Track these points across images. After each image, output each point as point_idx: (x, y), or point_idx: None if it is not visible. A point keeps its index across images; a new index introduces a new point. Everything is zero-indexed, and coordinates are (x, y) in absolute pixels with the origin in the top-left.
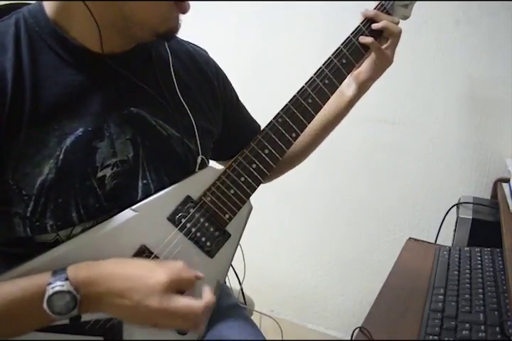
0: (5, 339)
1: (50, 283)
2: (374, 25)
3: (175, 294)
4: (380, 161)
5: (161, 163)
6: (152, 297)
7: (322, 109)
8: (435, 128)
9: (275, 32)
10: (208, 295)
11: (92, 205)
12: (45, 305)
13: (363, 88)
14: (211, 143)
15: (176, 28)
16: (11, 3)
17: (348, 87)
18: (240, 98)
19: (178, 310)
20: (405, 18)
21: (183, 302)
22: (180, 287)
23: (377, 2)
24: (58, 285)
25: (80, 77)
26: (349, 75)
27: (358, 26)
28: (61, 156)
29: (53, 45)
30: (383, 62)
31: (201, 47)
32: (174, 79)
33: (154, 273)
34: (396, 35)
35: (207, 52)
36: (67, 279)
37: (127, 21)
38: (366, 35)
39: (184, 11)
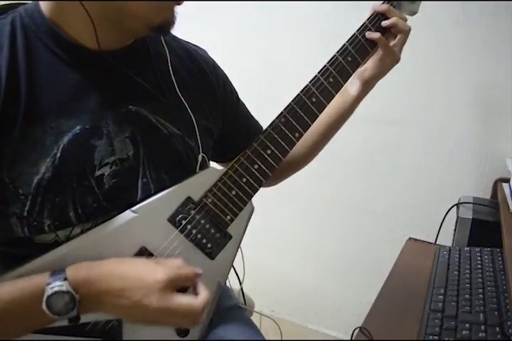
0: (4, 339)
1: (49, 283)
2: (384, 22)
3: (174, 292)
4: (380, 161)
5: (162, 162)
6: (151, 296)
7: (326, 109)
8: (435, 128)
9: (276, 31)
10: (203, 293)
11: (90, 205)
12: (44, 306)
13: (367, 86)
14: (211, 141)
15: (171, 20)
16: (9, 3)
17: (351, 85)
18: (242, 99)
19: (177, 309)
20: (413, 13)
21: (182, 300)
22: (179, 284)
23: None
24: (57, 285)
25: (76, 75)
26: (353, 73)
27: (364, 23)
28: (58, 154)
29: (49, 44)
30: (390, 60)
31: (200, 46)
32: (173, 76)
33: (153, 272)
34: (405, 33)
35: (206, 52)
36: (66, 279)
37: (121, 14)
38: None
39: (179, 2)
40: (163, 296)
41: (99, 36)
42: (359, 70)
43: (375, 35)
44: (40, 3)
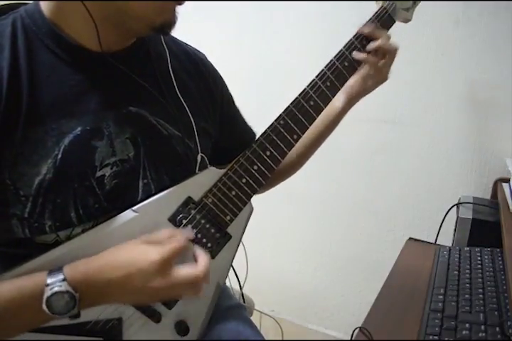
0: (4, 338)
1: (48, 284)
2: (369, 46)
3: (173, 267)
4: (380, 161)
5: (162, 163)
6: (153, 278)
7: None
8: (435, 128)
9: (276, 32)
10: (202, 257)
11: (92, 205)
12: (44, 306)
13: (352, 101)
14: (209, 143)
15: (172, 20)
16: (10, 4)
17: (337, 98)
18: (241, 101)
19: (181, 282)
20: (407, 21)
21: (182, 272)
22: (175, 257)
23: (379, 6)
24: (56, 285)
25: (77, 76)
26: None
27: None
28: (59, 156)
29: (50, 45)
30: (377, 79)
31: (199, 50)
32: (173, 78)
33: (146, 255)
34: (392, 54)
35: (205, 55)
36: (64, 279)
37: (122, 14)
38: (366, 41)
39: (180, 2)
40: (164, 275)
41: (101, 37)
42: (346, 85)
43: (361, 55)
44: (41, 3)
